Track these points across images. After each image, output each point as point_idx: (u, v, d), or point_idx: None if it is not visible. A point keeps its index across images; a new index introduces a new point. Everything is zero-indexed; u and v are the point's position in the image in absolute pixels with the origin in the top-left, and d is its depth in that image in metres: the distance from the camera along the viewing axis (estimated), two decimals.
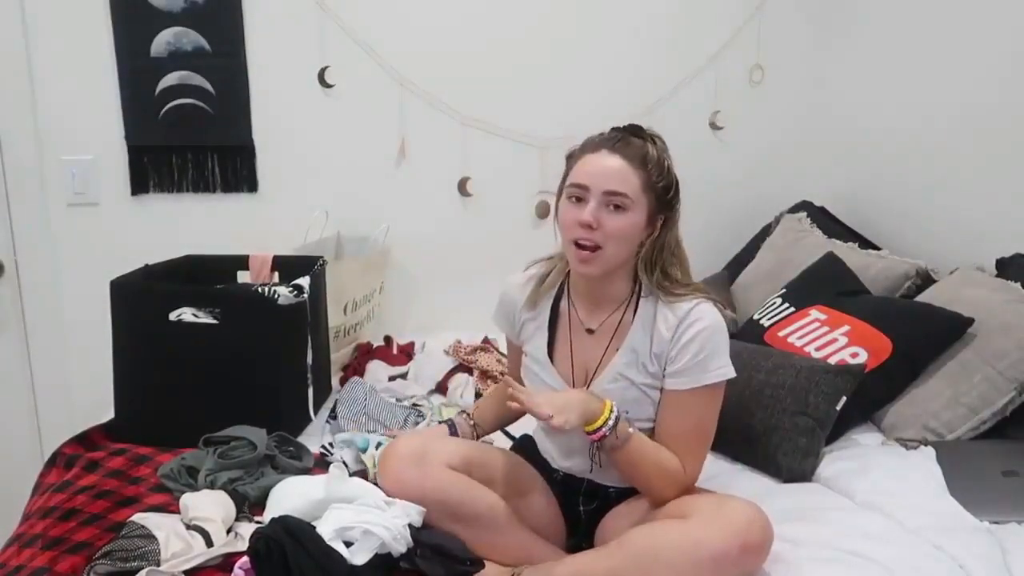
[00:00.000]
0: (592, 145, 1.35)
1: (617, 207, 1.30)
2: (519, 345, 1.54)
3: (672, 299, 1.35)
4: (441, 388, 2.08)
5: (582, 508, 1.46)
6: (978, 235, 1.99)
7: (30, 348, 2.35)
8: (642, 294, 1.38)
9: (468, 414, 1.61)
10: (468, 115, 2.41)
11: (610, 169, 1.31)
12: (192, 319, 1.70)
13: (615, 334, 1.39)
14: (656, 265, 1.36)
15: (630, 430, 1.31)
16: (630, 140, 1.34)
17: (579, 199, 1.33)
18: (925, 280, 2.00)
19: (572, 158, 1.39)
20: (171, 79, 2.27)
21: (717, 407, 1.37)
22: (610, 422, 1.28)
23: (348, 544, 1.18)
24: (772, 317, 1.98)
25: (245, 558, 1.17)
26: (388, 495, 1.29)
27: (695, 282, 1.40)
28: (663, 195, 1.34)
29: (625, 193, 1.30)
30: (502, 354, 2.14)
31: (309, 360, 1.83)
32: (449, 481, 1.31)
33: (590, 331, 1.41)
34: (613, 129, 1.38)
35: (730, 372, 1.34)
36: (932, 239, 2.14)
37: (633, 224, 1.32)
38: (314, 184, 2.40)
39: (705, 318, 1.33)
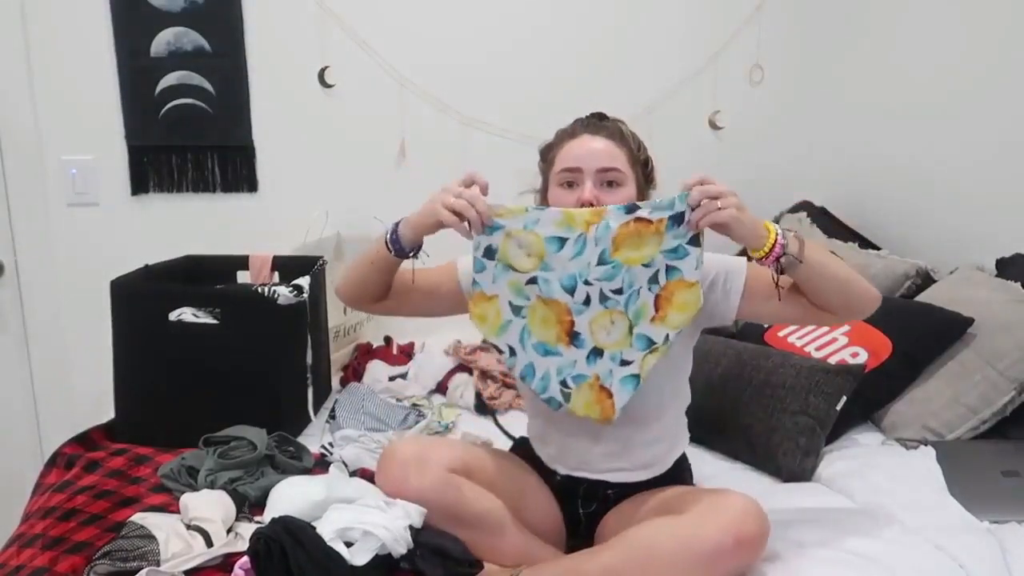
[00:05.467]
0: (568, 133, 1.38)
1: (612, 183, 1.33)
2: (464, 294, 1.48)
3: None
4: (441, 388, 2.08)
5: (582, 511, 1.46)
6: (978, 235, 1.99)
7: (30, 348, 2.35)
8: None
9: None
10: (468, 115, 2.42)
11: (597, 148, 1.34)
12: (192, 319, 1.70)
13: None
14: None
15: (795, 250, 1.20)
16: (603, 123, 1.38)
17: (571, 184, 1.34)
18: (925, 280, 2.00)
19: (550, 149, 1.42)
20: (171, 79, 2.27)
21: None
22: (779, 242, 1.20)
23: (348, 544, 1.18)
24: None
25: (245, 558, 1.17)
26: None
27: None
28: (645, 168, 1.39)
29: (618, 168, 1.33)
30: (501, 352, 2.12)
31: (309, 360, 1.84)
32: (449, 484, 1.31)
33: None
34: (576, 120, 1.41)
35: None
36: (932, 239, 2.14)
37: (629, 198, 1.33)
38: (314, 184, 2.40)
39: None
